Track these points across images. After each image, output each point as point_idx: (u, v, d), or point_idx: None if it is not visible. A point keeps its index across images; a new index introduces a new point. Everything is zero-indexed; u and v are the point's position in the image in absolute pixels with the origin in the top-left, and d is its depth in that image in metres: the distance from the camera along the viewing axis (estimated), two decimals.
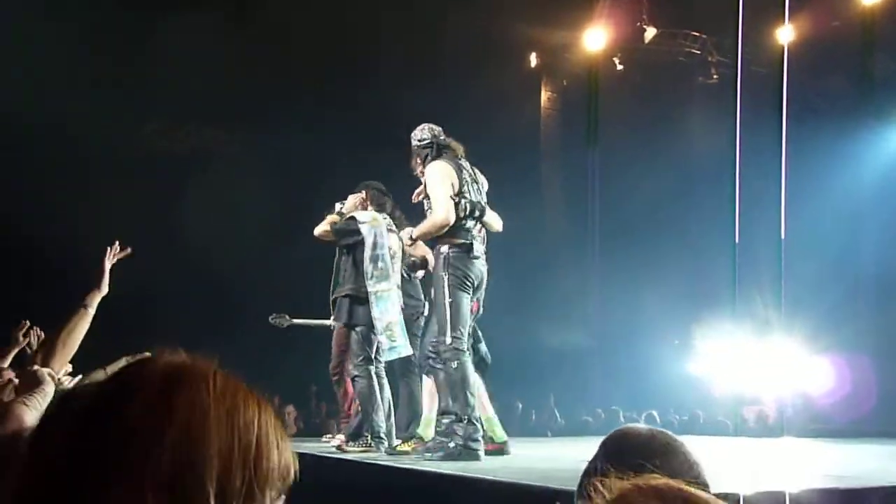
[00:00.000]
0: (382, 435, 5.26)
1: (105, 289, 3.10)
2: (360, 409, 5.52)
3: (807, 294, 8.59)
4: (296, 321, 7.15)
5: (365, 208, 5.77)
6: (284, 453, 0.88)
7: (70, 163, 9.04)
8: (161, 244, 8.91)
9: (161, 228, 9.23)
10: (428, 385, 5.08)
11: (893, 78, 10.56)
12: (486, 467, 4.02)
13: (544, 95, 12.96)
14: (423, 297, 5.87)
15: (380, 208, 5.73)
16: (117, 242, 3.20)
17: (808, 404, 10.05)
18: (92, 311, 2.98)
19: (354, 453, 5.17)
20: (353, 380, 5.58)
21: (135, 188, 9.43)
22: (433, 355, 4.70)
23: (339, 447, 5.37)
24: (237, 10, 9.73)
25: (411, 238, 4.87)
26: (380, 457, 4.79)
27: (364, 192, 5.80)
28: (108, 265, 3.14)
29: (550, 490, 2.87)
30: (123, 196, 9.07)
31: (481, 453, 4.46)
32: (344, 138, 10.03)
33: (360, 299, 5.39)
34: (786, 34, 7.97)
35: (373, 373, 5.41)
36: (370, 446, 5.24)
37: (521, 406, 10.34)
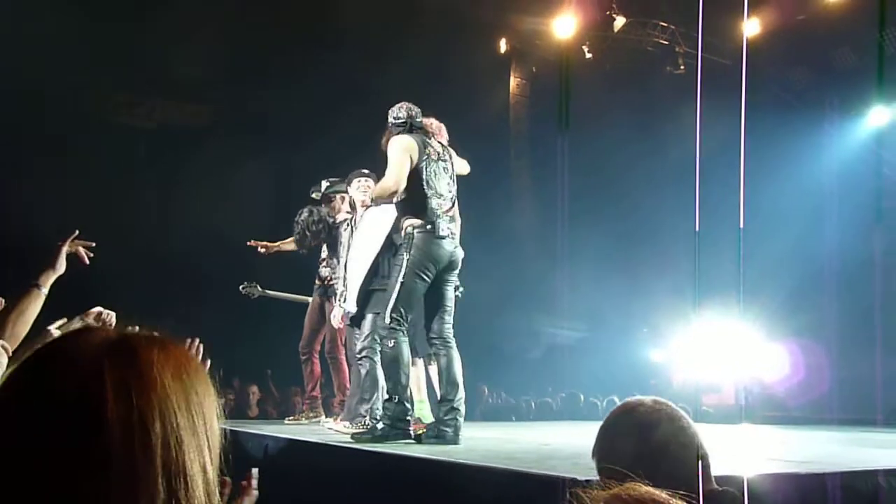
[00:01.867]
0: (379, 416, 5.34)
1: (60, 269, 2.99)
2: (362, 389, 5.56)
3: (766, 282, 8.75)
4: (268, 292, 7.09)
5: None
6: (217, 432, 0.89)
7: (32, 136, 8.85)
8: (124, 222, 8.82)
9: (124, 206, 9.12)
10: (415, 369, 5.14)
11: (856, 71, 10.74)
12: (455, 451, 4.05)
13: (514, 82, 12.98)
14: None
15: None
16: (77, 231, 3.08)
17: (766, 391, 10.26)
18: (45, 290, 2.88)
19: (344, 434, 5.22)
20: (360, 360, 5.57)
21: (95, 164, 9.26)
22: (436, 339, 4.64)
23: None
24: None
25: (370, 200, 4.95)
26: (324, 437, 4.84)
27: (373, 181, 5.67)
28: (65, 249, 3.03)
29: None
30: (83, 172, 8.91)
31: (410, 432, 4.48)
32: (308, 114, 9.95)
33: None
34: (747, 27, 8.05)
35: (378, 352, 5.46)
36: (366, 426, 5.30)
37: (486, 390, 10.42)
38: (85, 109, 10.26)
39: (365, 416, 5.41)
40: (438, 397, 4.62)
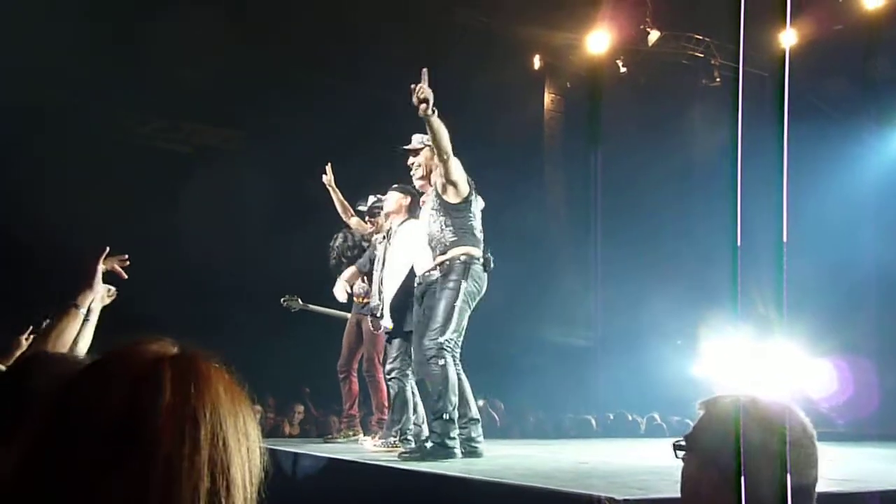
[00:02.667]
0: (410, 437, 5.33)
1: (98, 287, 2.99)
2: (392, 409, 5.59)
3: (808, 297, 8.59)
4: (309, 306, 7.12)
5: (405, 213, 5.76)
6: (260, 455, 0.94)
7: (69, 159, 9.01)
8: (160, 242, 8.95)
9: (161, 226, 9.25)
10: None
11: (894, 81, 10.56)
12: (493, 469, 4.03)
13: (547, 97, 12.97)
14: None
15: (412, 216, 5.72)
16: (108, 248, 3.10)
17: (810, 407, 10.04)
18: (83, 310, 2.87)
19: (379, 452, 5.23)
20: (390, 381, 5.58)
21: (132, 186, 9.42)
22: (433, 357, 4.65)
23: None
24: (237, 7, 9.74)
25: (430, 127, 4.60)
26: (364, 455, 4.81)
27: (410, 197, 5.74)
28: (100, 267, 3.04)
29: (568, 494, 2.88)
30: (120, 194, 9.06)
31: (457, 451, 4.48)
32: (342, 136, 10.04)
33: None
34: (787, 37, 7.96)
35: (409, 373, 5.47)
36: (395, 446, 5.30)
37: (502, 407, 10.33)
38: (122, 133, 10.51)
39: (395, 437, 5.40)
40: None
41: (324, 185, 6.58)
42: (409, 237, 5.54)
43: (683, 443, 1.65)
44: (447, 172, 4.69)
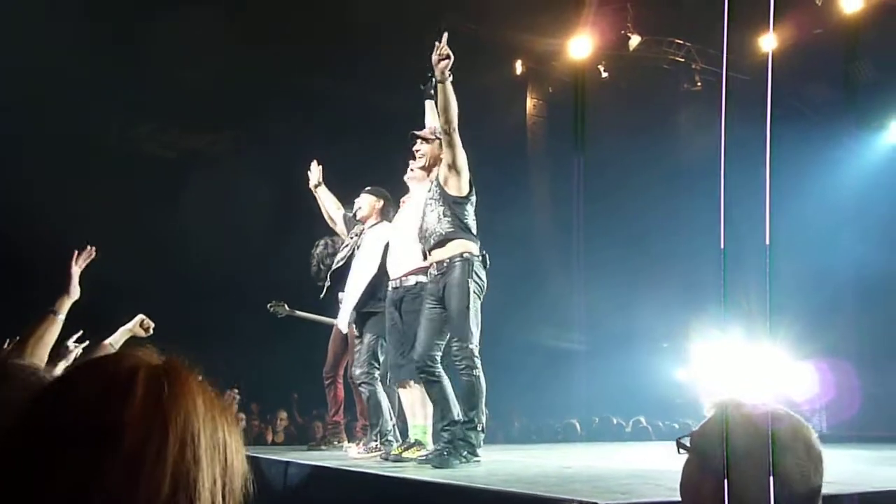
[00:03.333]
0: (391, 437, 5.30)
1: (75, 294, 3.02)
2: (368, 413, 5.56)
3: (790, 300, 8.64)
4: (295, 312, 7.07)
5: (378, 216, 5.73)
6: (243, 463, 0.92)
7: (58, 163, 8.94)
8: (150, 245, 8.89)
9: (152, 229, 9.20)
10: (417, 393, 5.03)
11: (875, 85, 10.67)
12: (476, 474, 4.01)
13: (530, 102, 13.00)
14: None
15: (384, 219, 5.68)
16: (76, 251, 3.10)
17: (795, 410, 10.10)
18: (62, 316, 2.90)
19: (364, 458, 5.19)
20: (360, 386, 5.56)
21: (120, 190, 9.36)
22: (430, 363, 4.59)
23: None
24: (228, 10, 9.69)
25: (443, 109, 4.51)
26: (386, 466, 4.65)
27: (383, 201, 5.72)
28: (76, 269, 3.05)
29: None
30: (105, 198, 8.99)
31: (479, 457, 4.47)
32: (326, 138, 10.03)
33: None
34: (771, 41, 8.02)
35: (377, 376, 5.45)
36: (377, 449, 5.28)
37: (507, 413, 10.34)
38: (119, 135, 10.48)
39: (375, 441, 5.37)
40: (447, 417, 4.56)
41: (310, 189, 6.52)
42: (378, 241, 5.52)
43: (687, 442, 1.64)
44: (453, 155, 4.58)
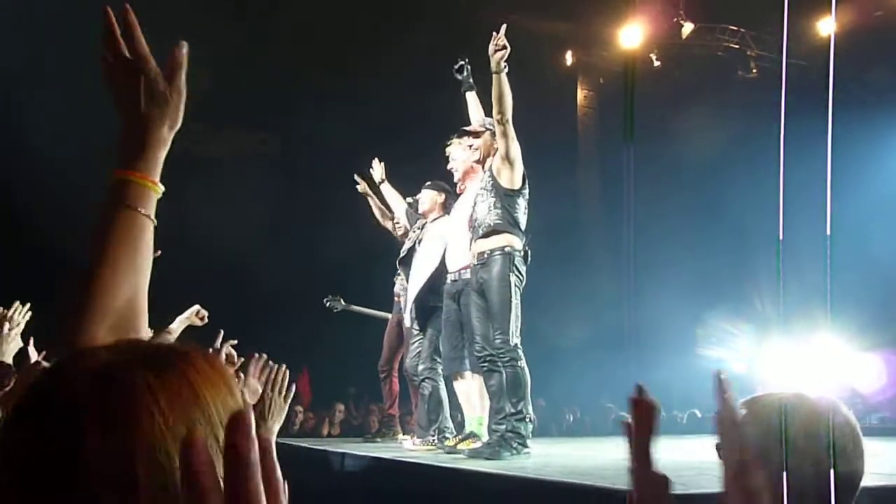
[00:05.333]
0: (448, 434, 5.36)
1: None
2: (428, 408, 5.59)
3: (852, 291, 8.42)
4: (351, 307, 7.16)
5: (440, 210, 5.77)
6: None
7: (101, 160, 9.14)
8: (197, 243, 9.07)
9: (197, 228, 9.37)
10: (474, 384, 5.07)
11: None
12: (527, 465, 4.01)
13: (580, 93, 12.89)
14: None
15: (447, 213, 5.70)
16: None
17: (856, 401, 9.86)
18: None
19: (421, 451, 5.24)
20: (423, 381, 5.60)
21: (171, 190, 9.54)
22: (491, 355, 4.62)
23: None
24: (264, 14, 9.82)
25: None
26: (440, 458, 4.70)
27: (444, 195, 5.75)
28: None
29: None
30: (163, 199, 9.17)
31: (529, 449, 4.49)
32: (374, 136, 10.11)
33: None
34: (830, 25, 7.81)
35: (440, 371, 5.49)
36: (434, 443, 5.33)
37: (543, 405, 10.28)
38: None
39: (434, 436, 5.40)
40: (500, 409, 4.56)
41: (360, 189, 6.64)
42: (439, 237, 5.54)
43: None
44: (507, 145, 4.59)
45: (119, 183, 1.16)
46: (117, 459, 0.67)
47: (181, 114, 1.25)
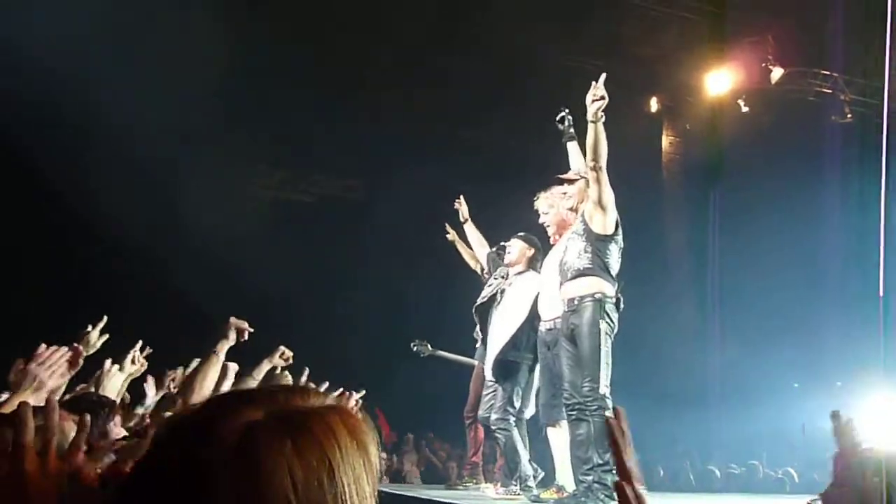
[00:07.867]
0: (531, 483, 5.29)
1: (232, 338, 3.29)
2: (506, 458, 5.56)
3: None
4: (438, 352, 7.17)
5: (526, 265, 5.74)
6: None
7: (196, 208, 9.43)
8: (299, 289, 9.29)
9: (300, 276, 9.62)
10: (563, 433, 5.00)
11: None
12: None
13: (666, 140, 12.74)
14: None
15: (532, 268, 5.69)
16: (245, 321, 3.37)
17: None
18: (221, 356, 3.18)
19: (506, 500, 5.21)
20: (496, 432, 5.57)
21: (261, 236, 9.82)
22: (579, 404, 4.54)
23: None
24: (357, 61, 10.11)
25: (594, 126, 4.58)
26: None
27: (534, 250, 5.71)
28: (233, 320, 3.31)
29: None
30: (250, 245, 9.41)
31: (613, 499, 4.36)
32: (463, 182, 10.22)
33: None
34: None
35: (513, 423, 5.46)
36: (517, 494, 5.28)
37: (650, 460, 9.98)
38: (247, 184, 11.13)
39: (516, 485, 5.33)
40: (587, 460, 4.48)
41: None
42: (527, 291, 5.50)
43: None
44: (599, 191, 4.59)
45: None
46: None
47: None
